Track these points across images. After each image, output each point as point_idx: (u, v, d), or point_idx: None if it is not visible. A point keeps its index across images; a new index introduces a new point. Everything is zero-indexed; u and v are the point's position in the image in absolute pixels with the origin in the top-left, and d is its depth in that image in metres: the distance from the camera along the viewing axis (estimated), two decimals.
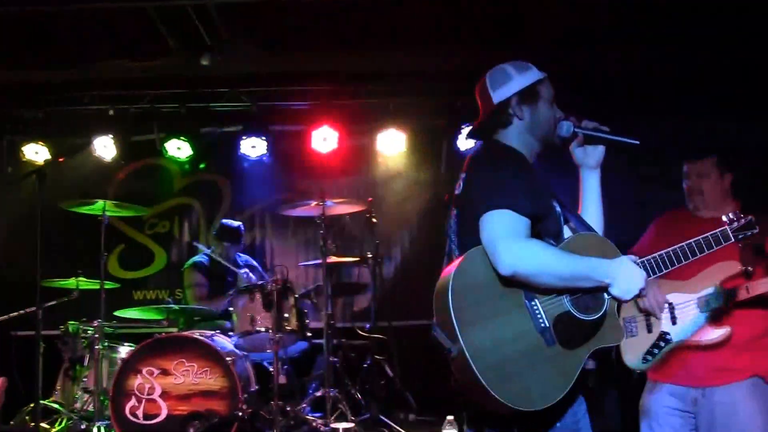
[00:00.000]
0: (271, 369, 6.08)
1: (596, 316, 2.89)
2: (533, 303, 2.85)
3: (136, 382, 5.85)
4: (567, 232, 3.15)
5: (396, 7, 6.29)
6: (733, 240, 3.36)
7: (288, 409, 6.07)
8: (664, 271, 3.09)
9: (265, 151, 7.97)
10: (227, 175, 8.46)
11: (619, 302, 2.96)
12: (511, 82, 3.18)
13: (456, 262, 2.85)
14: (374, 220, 7.04)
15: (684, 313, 4.07)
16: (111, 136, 7.89)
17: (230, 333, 6.34)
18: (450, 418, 5.25)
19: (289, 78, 7.59)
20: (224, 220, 7.39)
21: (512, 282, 2.82)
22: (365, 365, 7.00)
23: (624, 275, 2.91)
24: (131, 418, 5.81)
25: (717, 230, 3.32)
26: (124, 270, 8.37)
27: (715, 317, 4.03)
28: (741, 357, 4.04)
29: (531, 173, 3.04)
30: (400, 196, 8.31)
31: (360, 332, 7.31)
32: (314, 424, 6.01)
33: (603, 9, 6.22)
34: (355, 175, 8.29)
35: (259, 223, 8.36)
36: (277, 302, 6.05)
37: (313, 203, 6.44)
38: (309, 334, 6.51)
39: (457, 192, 3.17)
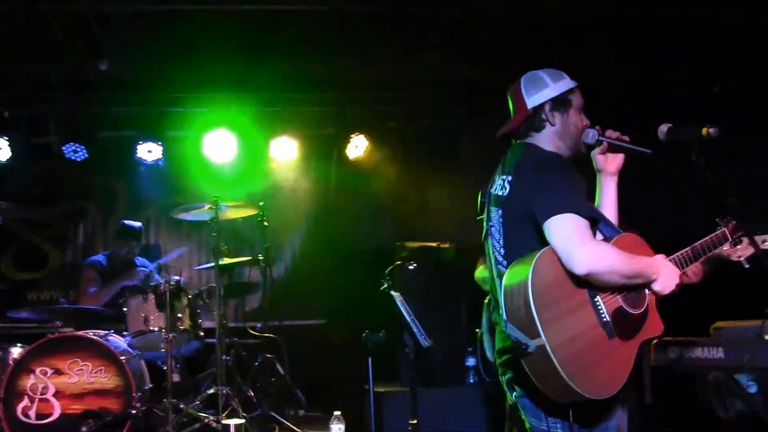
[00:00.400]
0: (165, 367, 6.15)
1: (641, 310, 3.14)
2: (596, 299, 3.05)
3: (29, 382, 5.80)
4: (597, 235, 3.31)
5: (288, 17, 6.48)
6: (730, 239, 3.68)
7: (181, 406, 6.16)
8: (685, 268, 3.36)
9: (160, 156, 8.03)
10: (123, 179, 8.51)
11: (658, 296, 3.19)
12: (545, 89, 3.36)
13: (530, 265, 2.97)
14: (266, 223, 7.21)
15: None
16: (6, 138, 7.82)
17: (124, 333, 6.39)
18: (337, 413, 5.52)
19: (185, 84, 7.64)
20: (125, 220, 7.45)
21: (579, 281, 3.00)
22: (256, 363, 7.13)
23: (665, 272, 3.18)
24: (23, 418, 5.77)
25: (718, 231, 3.64)
26: (17, 271, 8.36)
27: None
28: None
29: (577, 178, 3.19)
30: (291, 201, 8.53)
31: (251, 331, 7.45)
32: (206, 421, 6.10)
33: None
34: (249, 181, 8.41)
35: (153, 226, 8.44)
36: (170, 302, 6.16)
37: (207, 207, 6.57)
38: (202, 333, 6.64)
39: (497, 192, 3.33)
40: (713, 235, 3.60)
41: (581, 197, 3.11)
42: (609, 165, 3.49)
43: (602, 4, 6.22)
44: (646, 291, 3.17)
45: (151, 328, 6.27)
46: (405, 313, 5.31)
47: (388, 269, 5.60)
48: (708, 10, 6.18)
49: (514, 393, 3.28)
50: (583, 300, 3.02)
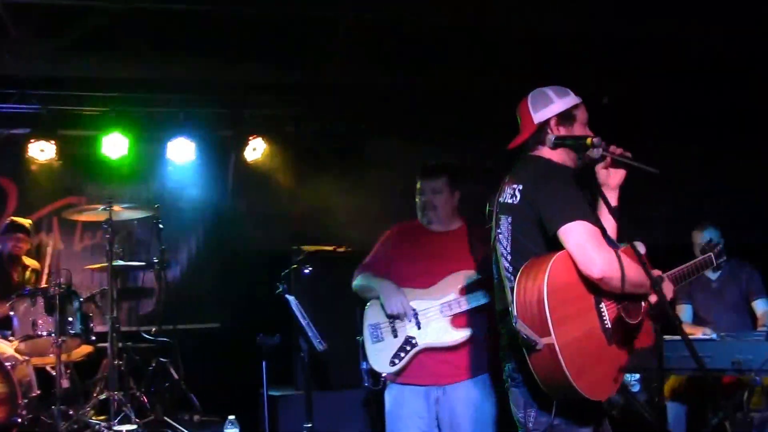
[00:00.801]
0: (54, 373, 6.05)
1: (637, 321, 3.26)
2: (601, 306, 3.21)
3: None
4: None
5: (188, 17, 6.41)
6: (714, 263, 4.00)
7: (71, 413, 6.06)
8: (681, 284, 3.62)
9: (54, 155, 7.81)
10: (14, 178, 8.19)
11: (653, 307, 3.27)
12: (551, 105, 3.49)
13: (546, 266, 3.11)
14: (161, 226, 7.15)
15: (427, 318, 4.41)
16: None
17: (11, 337, 6.25)
18: (231, 417, 5.49)
19: (80, 83, 7.45)
20: (13, 218, 7.28)
21: (589, 286, 3.17)
22: (150, 368, 7.05)
23: (665, 286, 3.33)
24: None
25: (705, 255, 3.96)
26: None
27: (454, 321, 4.41)
28: (474, 356, 4.46)
29: (583, 191, 3.35)
30: (187, 204, 8.41)
31: (145, 335, 7.36)
32: (97, 427, 6.02)
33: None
34: (144, 182, 8.32)
35: (45, 227, 8.17)
36: (60, 306, 6.06)
37: (101, 208, 6.49)
38: (93, 337, 6.54)
39: (506, 200, 3.46)
40: (702, 258, 3.92)
41: (590, 210, 3.27)
42: (611, 179, 3.58)
43: (491, 15, 6.32)
44: (642, 303, 3.30)
45: (40, 333, 6.14)
46: (300, 317, 5.33)
47: (284, 273, 5.62)
48: (596, 22, 6.36)
49: (507, 383, 3.46)
50: (590, 305, 3.19)
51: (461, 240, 4.63)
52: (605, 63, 7.09)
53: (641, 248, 3.82)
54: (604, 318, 3.21)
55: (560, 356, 3.01)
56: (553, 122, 3.48)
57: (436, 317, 4.44)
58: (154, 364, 7.10)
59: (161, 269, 7.27)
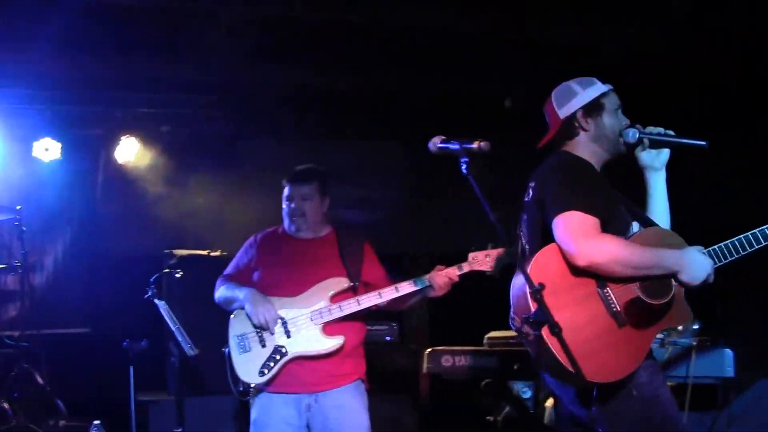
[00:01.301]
0: None
1: (664, 300, 3.21)
2: (605, 291, 3.21)
3: None
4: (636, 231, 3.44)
5: (55, 9, 6.06)
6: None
7: None
8: (725, 261, 3.33)
9: None
10: None
11: (687, 288, 3.26)
12: (575, 97, 3.48)
13: (531, 259, 3.21)
14: (24, 228, 6.92)
15: (297, 326, 4.39)
16: None
17: None
18: (97, 422, 5.38)
19: None
20: None
21: (585, 273, 3.18)
22: (12, 374, 6.78)
23: (692, 264, 3.24)
24: None
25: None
26: None
27: (326, 329, 4.41)
28: (347, 363, 4.49)
29: (597, 179, 3.37)
30: (54, 205, 8.12)
31: (7, 341, 7.08)
32: None
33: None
34: (7, 183, 7.88)
35: None
36: None
37: None
38: None
39: (524, 198, 3.50)
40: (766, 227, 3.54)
41: (595, 198, 3.25)
42: (655, 161, 3.57)
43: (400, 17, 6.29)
44: (673, 282, 3.26)
45: None
46: (170, 322, 5.28)
47: (154, 278, 5.53)
48: (497, 24, 6.35)
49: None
50: (590, 291, 3.22)
51: (331, 246, 4.64)
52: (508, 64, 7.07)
53: None
54: (611, 302, 3.22)
55: (549, 344, 3.05)
56: (579, 115, 3.48)
57: (306, 325, 4.42)
58: (16, 370, 6.83)
59: (25, 273, 7.04)
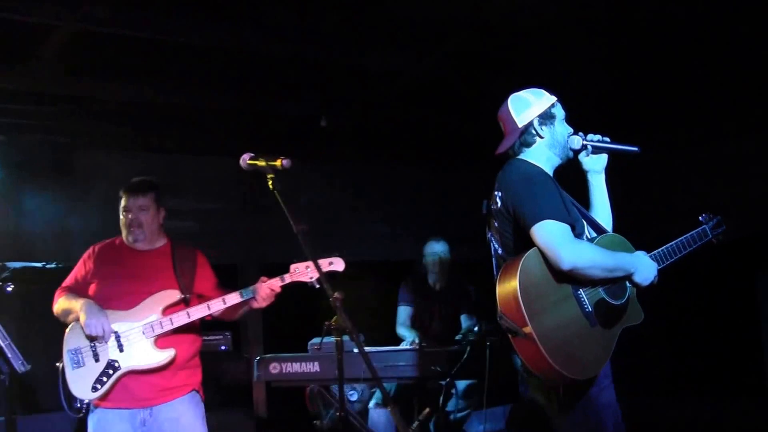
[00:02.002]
0: None
1: (622, 301, 3.59)
2: (579, 293, 3.48)
3: None
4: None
5: None
6: (711, 236, 4.04)
7: None
8: (665, 264, 3.75)
9: None
10: None
11: (638, 288, 3.62)
12: (532, 107, 3.74)
13: (518, 264, 3.39)
14: None
15: (130, 340, 4.36)
16: None
17: None
18: None
19: None
20: None
21: (562, 276, 3.42)
22: None
23: (643, 266, 3.60)
24: None
25: (699, 228, 4.03)
26: None
27: (158, 342, 4.41)
28: (179, 375, 4.51)
29: (555, 188, 3.59)
30: None
31: None
32: None
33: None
34: None
35: None
36: None
37: None
38: None
39: (493, 206, 3.74)
40: (695, 231, 4.02)
41: (561, 207, 3.50)
42: (596, 165, 3.94)
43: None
44: (627, 284, 3.62)
45: None
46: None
47: None
48: (309, 46, 6.51)
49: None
50: (567, 294, 3.47)
51: (165, 258, 4.66)
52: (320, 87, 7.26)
53: (339, 266, 4.10)
54: (584, 303, 3.49)
55: (540, 345, 3.31)
56: (536, 123, 3.75)
57: (138, 339, 4.40)
58: None
59: None
